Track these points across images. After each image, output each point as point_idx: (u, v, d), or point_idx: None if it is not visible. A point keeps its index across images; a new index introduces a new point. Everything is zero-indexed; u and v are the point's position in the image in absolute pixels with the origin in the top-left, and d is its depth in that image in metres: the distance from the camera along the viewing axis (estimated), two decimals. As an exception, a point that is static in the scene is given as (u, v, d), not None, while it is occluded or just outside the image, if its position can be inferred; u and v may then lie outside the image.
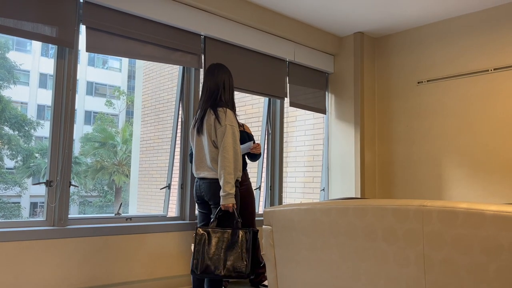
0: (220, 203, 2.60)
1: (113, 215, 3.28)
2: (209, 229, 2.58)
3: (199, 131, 2.78)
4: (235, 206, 2.62)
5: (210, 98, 2.78)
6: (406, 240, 1.52)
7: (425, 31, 4.41)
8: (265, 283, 3.33)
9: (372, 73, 4.77)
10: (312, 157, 5.28)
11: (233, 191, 2.58)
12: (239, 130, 3.28)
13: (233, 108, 2.83)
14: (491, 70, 3.91)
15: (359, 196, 4.44)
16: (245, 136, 3.50)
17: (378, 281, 1.60)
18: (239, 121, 3.37)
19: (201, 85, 3.68)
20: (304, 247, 1.92)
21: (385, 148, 4.65)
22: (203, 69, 3.67)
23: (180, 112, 3.71)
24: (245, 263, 2.50)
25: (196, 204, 2.93)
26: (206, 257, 2.54)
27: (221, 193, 2.58)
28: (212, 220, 2.64)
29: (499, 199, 3.79)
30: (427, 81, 4.35)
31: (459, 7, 3.98)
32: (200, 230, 2.57)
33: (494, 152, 3.85)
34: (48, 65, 24.31)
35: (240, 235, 2.57)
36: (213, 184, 2.70)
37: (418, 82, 4.43)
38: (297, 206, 2.00)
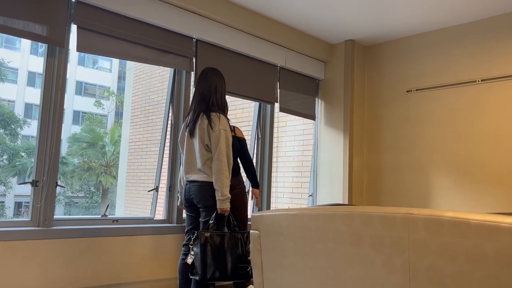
0: (217, 207, 2.62)
1: (100, 216, 3.25)
2: (210, 233, 2.58)
3: (192, 134, 2.78)
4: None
5: (203, 101, 2.80)
6: (392, 247, 1.53)
7: (415, 41, 4.47)
8: None
9: (362, 81, 4.81)
10: (301, 162, 5.30)
11: (228, 195, 2.63)
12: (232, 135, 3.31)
13: (224, 111, 2.83)
14: (478, 81, 3.97)
15: (346, 203, 4.46)
16: (236, 142, 3.44)
17: (363, 286, 1.61)
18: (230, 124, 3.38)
19: (192, 88, 3.70)
20: (291, 253, 1.92)
21: (373, 156, 4.68)
22: (194, 72, 3.67)
23: (170, 115, 3.70)
24: (247, 264, 2.55)
25: (184, 207, 2.92)
26: (212, 261, 2.55)
27: (219, 197, 2.60)
28: (210, 223, 2.65)
29: (485, 208, 3.84)
30: (416, 90, 4.40)
31: (449, 18, 4.04)
32: (203, 234, 2.57)
33: (480, 162, 3.90)
34: (37, 63, 24.07)
35: (239, 238, 2.64)
36: (203, 187, 2.71)
37: (407, 91, 4.47)
38: (285, 211, 2.01)
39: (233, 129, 3.52)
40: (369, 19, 4.12)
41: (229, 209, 2.65)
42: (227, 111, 3.20)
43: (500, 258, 1.27)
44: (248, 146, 3.66)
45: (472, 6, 3.75)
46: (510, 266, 1.25)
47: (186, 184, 2.82)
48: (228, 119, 2.80)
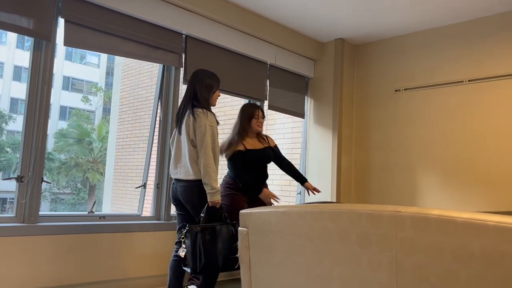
0: (208, 200, 2.63)
1: (86, 213, 3.21)
2: (201, 226, 2.60)
3: (179, 131, 2.81)
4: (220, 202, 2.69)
5: (190, 99, 2.82)
6: (379, 245, 1.54)
7: (404, 41, 4.50)
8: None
9: (351, 80, 4.83)
10: (290, 160, 5.29)
11: (218, 187, 2.65)
12: (265, 146, 3.45)
13: (208, 108, 2.82)
14: (465, 81, 4.02)
15: (334, 201, 4.48)
16: (270, 152, 3.50)
17: (351, 285, 1.61)
18: (268, 136, 3.59)
19: (181, 84, 3.68)
20: (279, 250, 1.92)
21: (362, 154, 4.71)
22: (183, 68, 3.64)
23: (159, 111, 3.67)
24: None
25: (173, 205, 2.91)
26: (203, 254, 2.59)
27: (209, 190, 2.62)
28: (201, 216, 2.66)
29: (471, 208, 3.89)
30: (405, 89, 4.44)
31: (437, 19, 4.07)
32: (193, 228, 2.58)
33: (466, 162, 3.94)
34: (23, 57, 23.68)
35: (231, 229, 2.67)
36: (189, 188, 2.71)
37: (396, 90, 4.51)
38: (274, 209, 2.01)
39: (266, 138, 3.56)
40: (359, 19, 4.14)
41: (220, 201, 2.67)
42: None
43: (486, 257, 1.28)
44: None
45: (460, 7, 3.78)
46: (495, 265, 1.27)
47: (173, 183, 2.82)
48: (214, 115, 2.81)
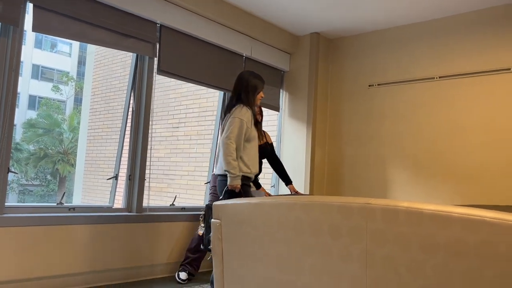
0: (228, 183, 2.83)
1: (55, 204, 3.13)
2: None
3: (222, 130, 3.05)
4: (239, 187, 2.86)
5: (235, 100, 3.04)
6: (350, 236, 1.56)
7: (378, 36, 4.56)
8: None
9: (326, 74, 4.87)
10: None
11: (239, 173, 2.84)
12: (264, 142, 3.61)
13: (248, 104, 3.01)
14: (436, 78, 4.11)
15: (308, 193, 4.53)
16: (268, 148, 3.70)
17: (322, 276, 1.63)
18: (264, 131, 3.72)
19: (155, 74, 3.63)
20: (252, 242, 1.93)
21: (335, 148, 4.77)
22: (157, 58, 3.58)
23: (131, 102, 3.61)
24: None
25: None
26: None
27: (229, 175, 2.83)
28: (220, 198, 2.88)
29: (440, 200, 4.00)
30: (378, 85, 4.50)
31: (412, 16, 4.14)
32: (207, 204, 2.71)
33: (436, 156, 4.05)
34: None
35: None
36: (221, 182, 2.95)
37: (369, 85, 4.57)
38: (247, 201, 2.01)
39: (264, 134, 3.71)
40: (334, 13, 4.16)
41: (239, 186, 2.85)
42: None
43: (451, 247, 1.32)
44: (211, 136, 3.72)
45: (434, 4, 3.86)
46: (460, 255, 1.31)
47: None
48: (251, 112, 2.99)
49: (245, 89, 3.03)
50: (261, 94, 3.13)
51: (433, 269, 1.36)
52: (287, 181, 3.78)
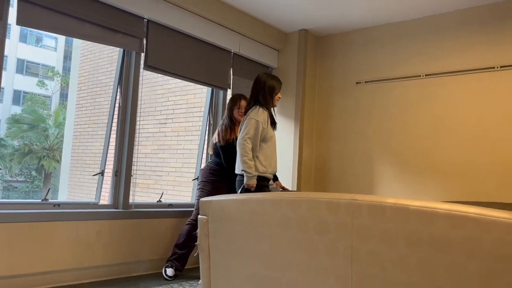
0: (245, 182, 2.96)
1: (40, 200, 3.09)
2: None
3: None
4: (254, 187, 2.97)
5: (253, 102, 3.14)
6: (336, 232, 1.57)
7: (366, 34, 4.58)
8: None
9: (314, 71, 4.88)
10: (252, 150, 5.30)
11: (255, 173, 2.96)
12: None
13: (266, 106, 3.12)
14: (423, 75, 4.15)
15: (295, 190, 4.54)
16: None
17: (308, 272, 1.64)
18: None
19: (141, 70, 3.60)
20: (238, 238, 1.93)
21: (322, 145, 4.79)
22: (144, 53, 3.55)
23: (118, 97, 3.57)
24: None
25: None
26: None
27: (246, 175, 2.95)
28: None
29: (426, 197, 4.05)
30: (365, 82, 4.53)
31: (399, 14, 4.17)
32: None
33: (422, 153, 4.09)
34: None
35: None
36: (238, 182, 3.07)
37: (357, 83, 4.59)
38: (234, 197, 2.01)
39: None
40: (322, 10, 4.17)
41: (255, 185, 2.96)
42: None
43: (435, 242, 1.33)
44: (199, 132, 3.72)
45: (421, 3, 3.89)
46: (444, 250, 1.32)
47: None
48: (268, 113, 3.09)
49: (262, 90, 3.14)
50: (279, 95, 3.23)
51: (418, 264, 1.37)
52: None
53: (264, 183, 3.05)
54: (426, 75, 4.13)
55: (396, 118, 4.28)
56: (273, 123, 3.19)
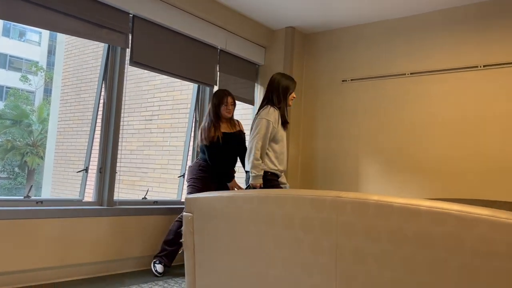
0: (250, 181, 3.03)
1: (22, 197, 3.04)
2: None
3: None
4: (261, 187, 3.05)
5: (263, 101, 3.19)
6: (321, 229, 1.58)
7: (352, 32, 4.61)
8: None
9: (301, 68, 4.89)
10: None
11: (261, 173, 3.02)
12: (237, 130, 3.67)
13: (278, 105, 3.15)
14: (408, 74, 4.19)
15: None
16: (241, 137, 3.74)
17: (293, 269, 1.65)
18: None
19: (127, 66, 3.56)
20: (224, 235, 1.93)
21: (309, 142, 4.81)
22: (130, 49, 3.52)
23: (103, 93, 3.53)
24: None
25: None
26: None
27: (251, 174, 3.02)
28: None
29: (411, 195, 4.10)
30: (351, 80, 4.56)
31: (385, 12, 4.20)
32: None
33: (407, 151, 4.14)
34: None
35: None
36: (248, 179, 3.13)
37: (343, 81, 4.62)
38: (220, 194, 2.00)
39: (238, 123, 3.77)
40: (310, 8, 4.18)
41: (259, 185, 3.03)
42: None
43: (418, 239, 1.35)
44: (185, 129, 3.70)
45: (406, 2, 3.92)
46: (426, 247, 1.34)
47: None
48: (278, 113, 3.12)
49: (276, 90, 3.17)
50: (293, 94, 3.25)
51: (401, 261, 1.39)
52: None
53: (274, 178, 3.14)
54: (411, 73, 4.17)
55: (381, 115, 4.32)
56: (284, 123, 3.22)
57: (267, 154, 3.11)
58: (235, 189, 3.58)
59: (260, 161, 3.05)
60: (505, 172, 3.62)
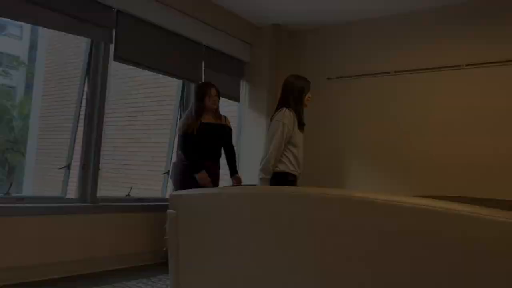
0: (258, 181, 2.99)
1: (2, 194, 2.98)
2: None
3: None
4: None
5: (278, 104, 3.12)
6: (306, 226, 1.58)
7: (338, 30, 4.62)
8: None
9: (286, 65, 4.89)
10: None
11: (268, 177, 2.96)
12: (221, 123, 3.57)
13: (293, 107, 3.07)
14: (392, 72, 4.23)
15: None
16: (225, 130, 3.64)
17: (277, 267, 1.65)
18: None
19: (110, 61, 3.51)
20: (208, 233, 1.92)
21: (294, 139, 4.81)
22: (114, 44, 3.46)
23: (86, 89, 3.48)
24: None
25: None
26: None
27: (260, 176, 2.97)
28: None
29: (396, 192, 4.14)
30: (337, 77, 4.58)
31: (371, 10, 4.22)
32: None
33: (392, 149, 4.18)
34: None
35: None
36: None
37: (328, 78, 4.64)
38: (205, 191, 1.99)
39: (224, 118, 3.66)
40: (296, 5, 4.18)
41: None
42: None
43: (401, 236, 1.36)
44: (170, 125, 3.65)
45: (393, 1, 3.95)
46: (409, 244, 1.35)
47: None
48: (294, 115, 3.03)
49: (291, 93, 3.10)
50: (309, 95, 3.19)
51: (384, 258, 1.40)
52: (233, 172, 3.74)
53: (291, 179, 3.08)
54: (395, 71, 4.21)
55: (366, 113, 4.35)
56: (301, 125, 3.16)
57: (286, 156, 3.04)
58: (205, 184, 3.42)
59: (272, 164, 2.96)
60: (490, 169, 3.68)
